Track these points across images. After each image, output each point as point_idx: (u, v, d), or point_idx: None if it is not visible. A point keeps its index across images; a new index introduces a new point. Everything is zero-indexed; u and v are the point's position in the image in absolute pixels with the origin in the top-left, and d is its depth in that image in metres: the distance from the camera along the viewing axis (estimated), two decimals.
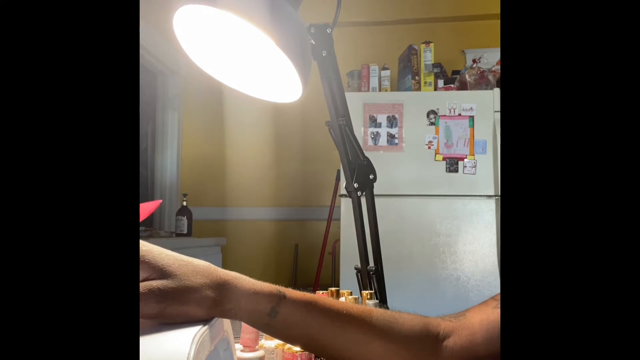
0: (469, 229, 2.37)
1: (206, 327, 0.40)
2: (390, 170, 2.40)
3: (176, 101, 3.11)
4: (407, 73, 2.58)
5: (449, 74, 2.65)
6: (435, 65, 2.54)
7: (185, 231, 2.64)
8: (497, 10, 2.60)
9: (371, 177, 0.95)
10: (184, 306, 0.41)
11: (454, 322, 0.55)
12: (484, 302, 0.57)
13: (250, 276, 0.47)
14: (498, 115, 2.39)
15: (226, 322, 0.48)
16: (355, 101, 2.43)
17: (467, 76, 2.51)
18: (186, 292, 0.41)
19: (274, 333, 0.48)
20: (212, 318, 0.43)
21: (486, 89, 2.46)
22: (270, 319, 0.46)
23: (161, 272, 0.40)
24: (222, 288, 0.43)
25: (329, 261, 2.97)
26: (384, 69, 2.59)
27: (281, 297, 0.46)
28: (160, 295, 0.39)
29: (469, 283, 2.36)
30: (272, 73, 0.76)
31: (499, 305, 0.54)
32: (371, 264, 0.95)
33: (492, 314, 0.54)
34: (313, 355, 0.62)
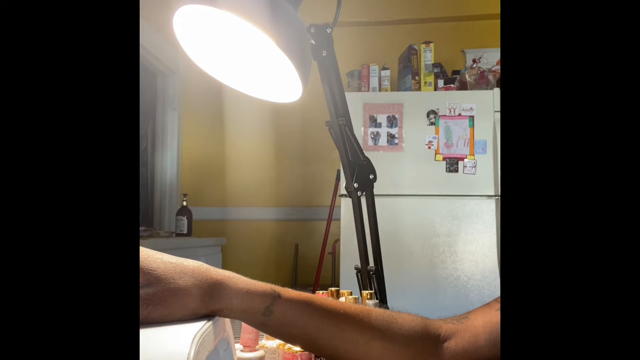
0: (469, 229, 2.37)
1: (206, 326, 0.41)
2: (390, 170, 2.40)
3: (176, 101, 3.11)
4: (407, 73, 2.58)
5: (449, 74, 2.65)
6: (435, 65, 2.54)
7: (185, 231, 2.64)
8: (497, 10, 2.60)
9: (371, 177, 0.95)
10: (168, 309, 0.41)
11: (457, 324, 0.55)
12: (487, 304, 0.57)
13: (251, 276, 0.47)
14: (498, 115, 2.39)
15: (226, 322, 0.48)
16: (355, 101, 2.43)
17: (467, 76, 2.50)
18: (169, 295, 0.41)
19: (270, 332, 0.48)
20: (212, 317, 0.43)
21: (486, 89, 2.46)
22: (265, 319, 0.46)
23: (145, 277, 0.41)
24: (213, 288, 0.43)
25: (329, 261, 2.97)
26: (384, 69, 2.59)
27: (275, 297, 0.46)
28: (141, 302, 0.40)
29: (469, 283, 2.36)
30: (272, 73, 0.76)
31: None
32: (371, 263, 0.95)
33: (495, 316, 0.54)
34: (313, 355, 0.62)
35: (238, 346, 0.57)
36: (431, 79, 2.51)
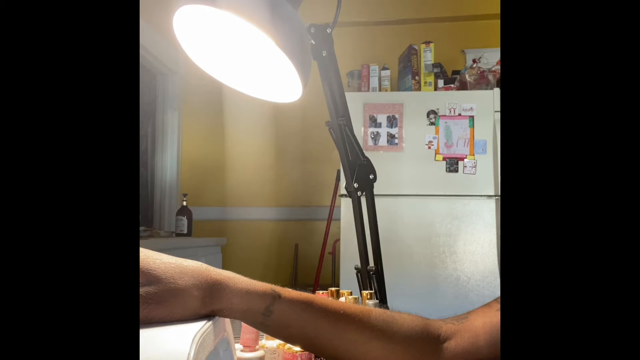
0: (469, 229, 2.37)
1: (206, 326, 0.41)
2: (390, 170, 2.40)
3: (176, 101, 3.11)
4: (407, 73, 2.58)
5: (449, 74, 2.65)
6: (435, 65, 2.54)
7: (185, 231, 2.64)
8: (497, 10, 2.60)
9: (371, 177, 0.95)
10: (168, 309, 0.41)
11: (457, 325, 0.55)
12: (487, 305, 0.57)
13: (250, 276, 0.47)
14: (498, 115, 2.39)
15: (226, 322, 0.48)
16: (355, 101, 2.43)
17: (467, 76, 2.50)
18: (169, 295, 0.41)
19: (270, 332, 0.48)
20: (212, 317, 0.43)
21: (486, 89, 2.46)
22: (264, 319, 0.46)
23: (145, 277, 0.41)
24: (212, 288, 0.43)
25: (329, 261, 2.97)
26: (384, 69, 2.59)
27: (275, 297, 0.46)
28: (142, 301, 0.40)
29: (469, 283, 2.36)
30: (272, 73, 0.76)
31: None
32: (371, 263, 0.95)
33: (495, 317, 0.54)
34: (313, 355, 0.62)
35: (238, 346, 0.57)
36: (431, 79, 2.51)
